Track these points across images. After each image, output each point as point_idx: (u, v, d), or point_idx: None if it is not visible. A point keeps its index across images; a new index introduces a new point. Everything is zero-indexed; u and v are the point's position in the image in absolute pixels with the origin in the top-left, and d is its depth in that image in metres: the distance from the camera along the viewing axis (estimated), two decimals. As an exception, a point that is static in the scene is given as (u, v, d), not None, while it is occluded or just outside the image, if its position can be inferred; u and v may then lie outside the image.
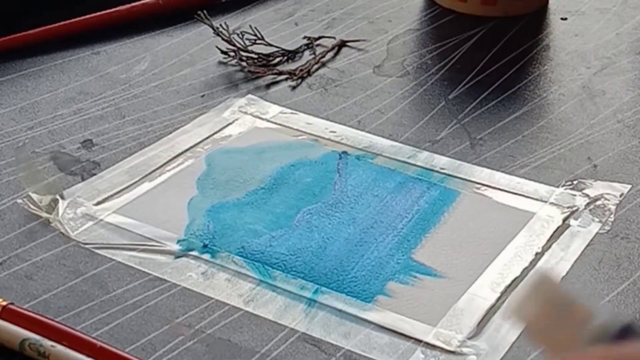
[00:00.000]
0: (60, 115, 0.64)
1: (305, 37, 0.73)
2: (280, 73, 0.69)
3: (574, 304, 0.31)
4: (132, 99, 0.66)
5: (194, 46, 0.72)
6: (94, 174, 0.58)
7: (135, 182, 0.57)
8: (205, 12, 0.72)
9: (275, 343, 0.47)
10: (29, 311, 0.47)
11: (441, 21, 0.77)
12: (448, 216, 0.55)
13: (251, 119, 0.64)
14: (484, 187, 0.58)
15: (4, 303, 0.47)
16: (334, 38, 0.73)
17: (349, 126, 0.63)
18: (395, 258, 0.52)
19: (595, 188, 0.57)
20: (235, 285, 0.50)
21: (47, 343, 0.45)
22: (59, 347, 0.45)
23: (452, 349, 0.47)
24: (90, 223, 0.54)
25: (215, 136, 0.62)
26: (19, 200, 0.55)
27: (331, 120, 0.64)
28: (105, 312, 0.48)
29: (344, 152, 0.60)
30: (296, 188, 0.57)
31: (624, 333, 0.30)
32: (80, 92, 0.66)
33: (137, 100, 0.66)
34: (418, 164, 0.59)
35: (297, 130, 0.63)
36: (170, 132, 0.62)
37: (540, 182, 0.58)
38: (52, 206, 0.55)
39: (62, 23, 0.73)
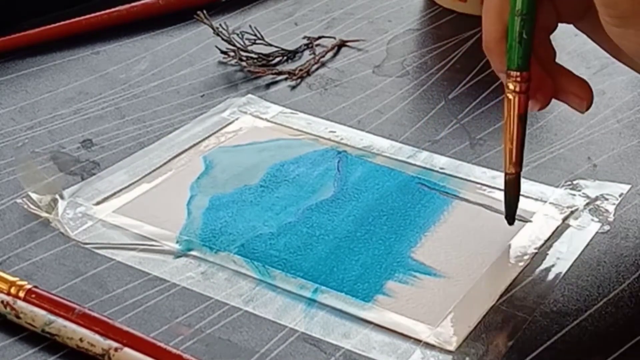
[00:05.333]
0: (59, 115, 0.64)
1: (305, 37, 0.73)
2: (280, 73, 0.69)
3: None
4: (132, 99, 0.66)
5: (194, 46, 0.73)
6: (94, 174, 0.58)
7: (135, 181, 0.57)
8: (205, 12, 0.73)
9: (274, 343, 0.47)
10: (53, 294, 0.48)
11: (441, 21, 0.77)
12: (447, 215, 0.55)
13: (251, 119, 0.64)
14: (483, 187, 0.58)
15: (29, 286, 0.48)
16: (334, 38, 0.73)
17: (349, 126, 0.63)
18: (395, 257, 0.52)
19: (595, 188, 0.57)
20: (234, 285, 0.50)
21: (71, 326, 0.46)
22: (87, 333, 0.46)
23: (451, 348, 0.47)
24: (90, 223, 0.54)
25: (215, 136, 0.62)
26: (19, 200, 0.55)
27: (331, 120, 0.64)
28: (105, 311, 0.48)
29: (344, 151, 0.60)
30: (296, 186, 0.57)
31: None
32: (80, 92, 0.67)
33: (137, 100, 0.66)
34: (418, 163, 0.59)
35: (297, 130, 0.63)
36: (170, 132, 0.62)
37: (540, 182, 0.58)
38: (52, 206, 0.55)
39: (62, 23, 0.73)
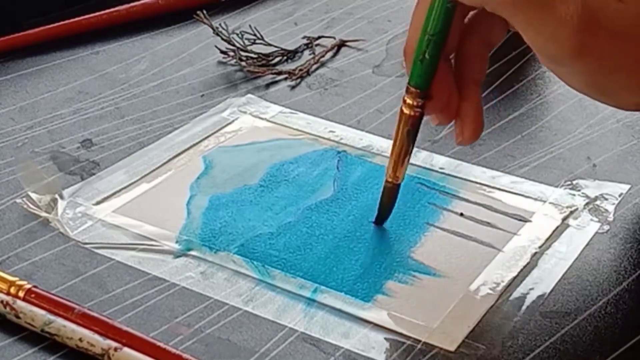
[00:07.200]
0: (59, 115, 0.64)
1: (304, 37, 0.73)
2: (280, 73, 0.69)
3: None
4: (132, 99, 0.66)
5: (194, 46, 0.73)
6: (94, 174, 0.58)
7: (135, 181, 0.57)
8: (204, 12, 0.73)
9: (274, 342, 0.47)
10: (53, 294, 0.48)
11: (441, 21, 0.77)
12: (447, 215, 0.55)
13: (251, 119, 0.64)
14: (483, 187, 0.58)
15: (28, 286, 0.48)
16: (334, 38, 0.73)
17: (348, 126, 0.63)
18: (394, 257, 0.52)
19: (595, 188, 0.57)
20: (234, 285, 0.50)
21: (71, 326, 0.46)
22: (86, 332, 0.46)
23: (451, 349, 0.47)
24: (90, 223, 0.54)
25: (214, 135, 0.62)
26: (19, 200, 0.55)
27: (330, 120, 0.64)
28: (104, 311, 0.48)
29: (343, 151, 0.60)
30: (295, 185, 0.57)
31: None
32: (80, 92, 0.67)
33: (137, 100, 0.66)
34: (417, 163, 0.59)
35: (297, 130, 0.63)
36: (170, 132, 0.62)
37: (540, 182, 0.58)
38: (52, 206, 0.55)
39: (62, 23, 0.73)
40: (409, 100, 0.49)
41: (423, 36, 0.48)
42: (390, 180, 0.52)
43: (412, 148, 0.51)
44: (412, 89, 0.49)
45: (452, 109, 0.50)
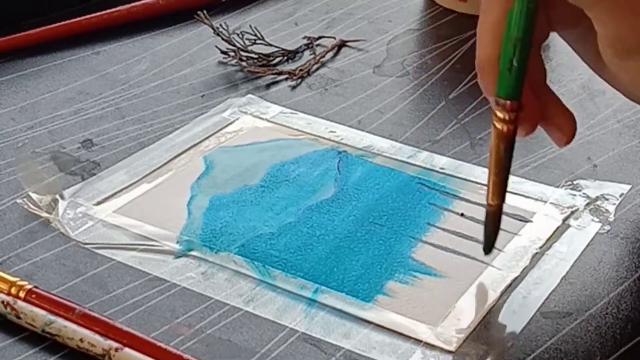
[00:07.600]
0: (60, 115, 0.64)
1: (305, 37, 0.73)
2: (280, 73, 0.69)
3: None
4: (132, 99, 0.66)
5: (194, 46, 0.73)
6: (94, 174, 0.58)
7: (135, 182, 0.57)
8: (205, 12, 0.73)
9: (275, 343, 0.47)
10: (53, 294, 0.48)
11: (441, 21, 0.77)
12: (448, 216, 0.55)
13: (251, 119, 0.64)
14: (484, 187, 0.57)
15: (29, 286, 0.48)
16: (334, 38, 0.73)
17: (349, 126, 0.63)
18: (395, 257, 0.52)
19: (595, 188, 0.57)
20: (235, 285, 0.50)
21: (72, 326, 0.46)
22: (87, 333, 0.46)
23: (452, 349, 0.47)
24: (90, 223, 0.54)
25: (215, 136, 0.62)
26: (19, 200, 0.55)
27: (331, 120, 0.64)
28: (105, 312, 0.48)
29: (344, 152, 0.60)
30: (296, 186, 0.57)
31: None
32: (80, 92, 0.67)
33: (137, 100, 0.66)
34: (418, 163, 0.59)
35: (297, 130, 0.63)
36: (170, 132, 0.62)
37: (540, 182, 0.58)
38: (52, 206, 0.55)
39: (62, 23, 0.73)
40: (500, 115, 0.47)
41: (506, 43, 0.46)
42: (492, 204, 0.49)
43: (510, 165, 0.48)
44: (503, 102, 0.46)
45: (536, 116, 0.48)
